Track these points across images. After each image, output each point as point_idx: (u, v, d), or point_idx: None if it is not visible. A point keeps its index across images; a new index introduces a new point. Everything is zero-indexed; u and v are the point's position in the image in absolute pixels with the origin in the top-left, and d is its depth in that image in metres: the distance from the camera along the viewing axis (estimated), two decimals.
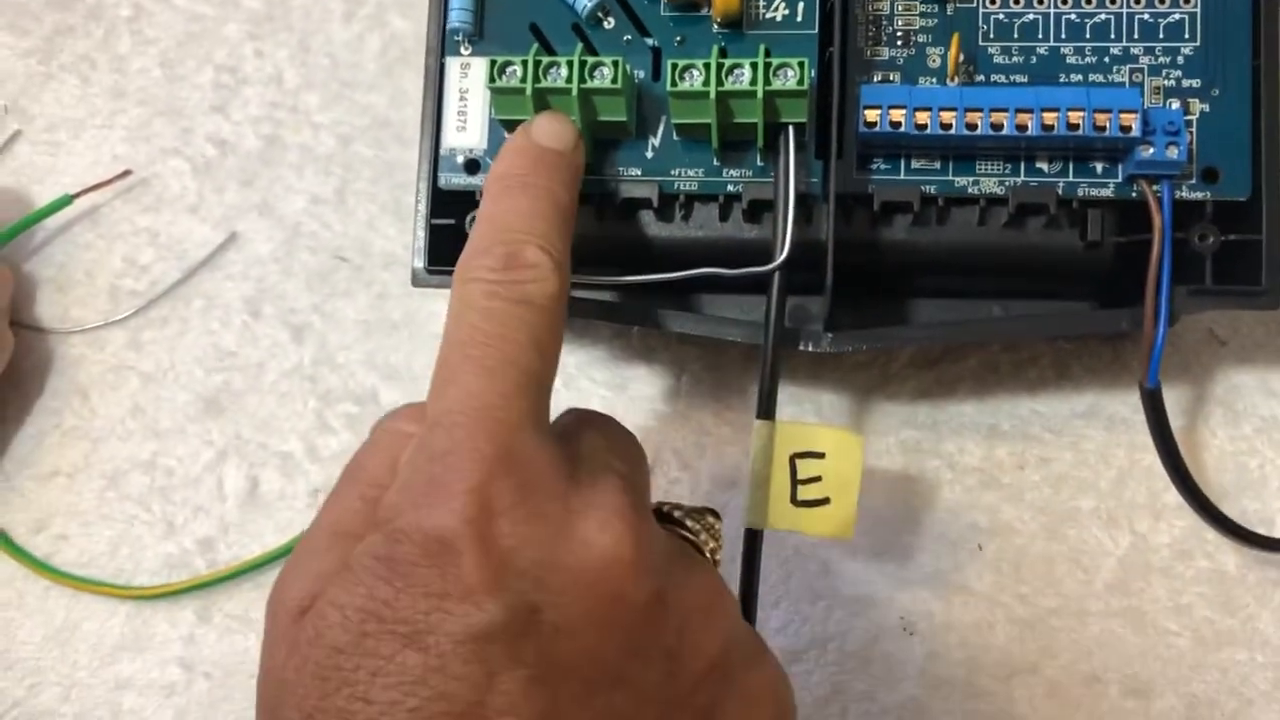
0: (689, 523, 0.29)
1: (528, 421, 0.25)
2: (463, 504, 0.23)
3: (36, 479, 0.41)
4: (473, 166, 0.34)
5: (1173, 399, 0.34)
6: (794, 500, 0.31)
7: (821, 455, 0.32)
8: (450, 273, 0.33)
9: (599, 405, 0.39)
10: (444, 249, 0.34)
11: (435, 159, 0.34)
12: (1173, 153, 0.31)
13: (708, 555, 0.29)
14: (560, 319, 0.27)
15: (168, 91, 0.43)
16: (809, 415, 0.39)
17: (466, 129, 0.35)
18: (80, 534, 0.40)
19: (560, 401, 0.38)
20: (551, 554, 0.24)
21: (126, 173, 0.42)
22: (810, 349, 0.34)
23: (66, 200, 0.42)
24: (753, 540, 0.32)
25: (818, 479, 0.32)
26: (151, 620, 0.39)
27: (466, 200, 0.35)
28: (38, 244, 0.43)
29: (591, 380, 0.40)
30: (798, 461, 0.32)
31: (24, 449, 0.41)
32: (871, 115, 0.32)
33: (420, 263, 0.34)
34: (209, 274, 0.42)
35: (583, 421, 0.29)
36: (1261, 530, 0.36)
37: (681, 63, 0.31)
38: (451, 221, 0.34)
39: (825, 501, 0.32)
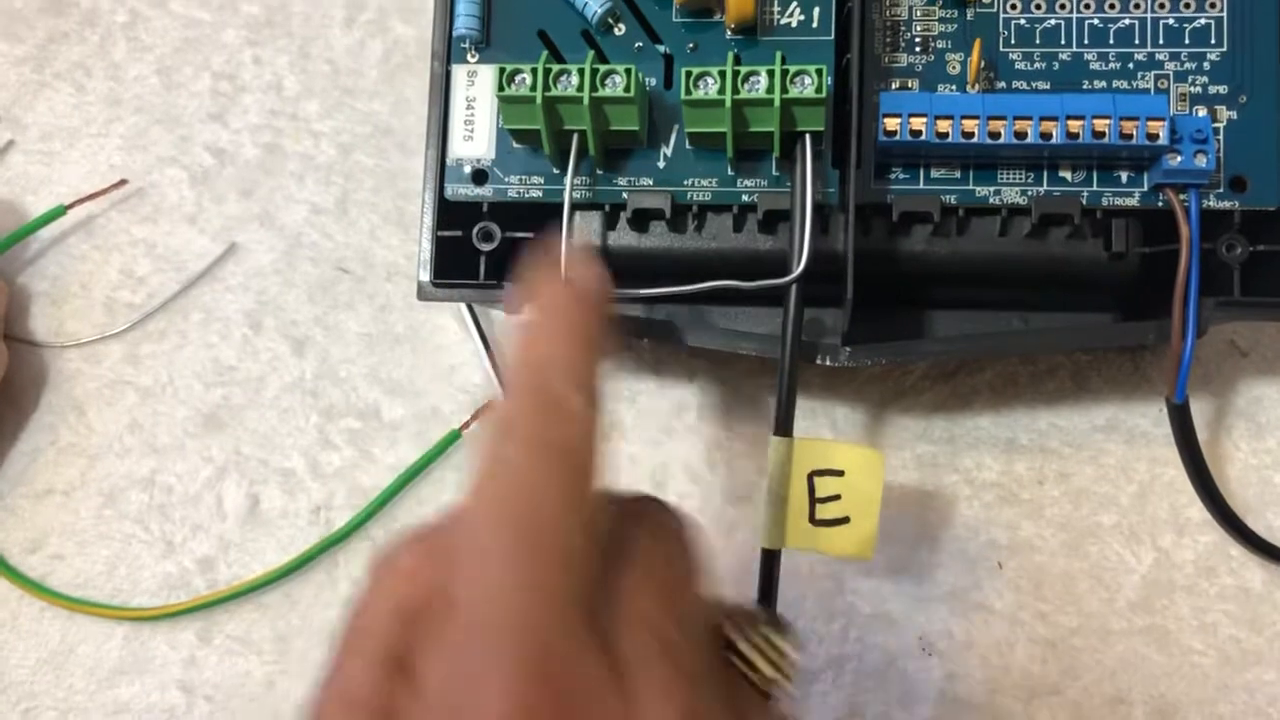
0: (756, 660, 0.27)
1: (567, 609, 0.22)
2: None
3: (31, 497, 0.40)
4: (480, 177, 0.34)
5: (1194, 412, 0.34)
6: (812, 519, 0.31)
7: (840, 473, 0.31)
8: (457, 285, 0.34)
9: (607, 419, 0.38)
10: (450, 261, 0.34)
11: (441, 169, 0.34)
12: (1201, 161, 0.31)
13: (766, 689, 0.27)
14: (595, 463, 0.24)
15: (165, 99, 0.43)
16: (823, 430, 0.38)
17: (474, 138, 0.34)
18: (76, 553, 0.39)
19: None
20: None
21: (122, 182, 0.42)
22: (828, 363, 0.33)
23: (60, 211, 0.41)
24: (770, 561, 0.31)
25: (836, 497, 0.31)
26: (150, 642, 0.39)
27: (473, 211, 0.34)
28: (31, 256, 0.42)
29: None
30: (816, 479, 0.31)
31: (18, 466, 0.40)
32: (891, 124, 0.31)
33: (426, 276, 0.34)
34: (208, 286, 0.41)
35: (626, 562, 0.25)
36: None
37: (696, 70, 0.31)
38: (458, 233, 0.34)
39: (845, 520, 0.31)
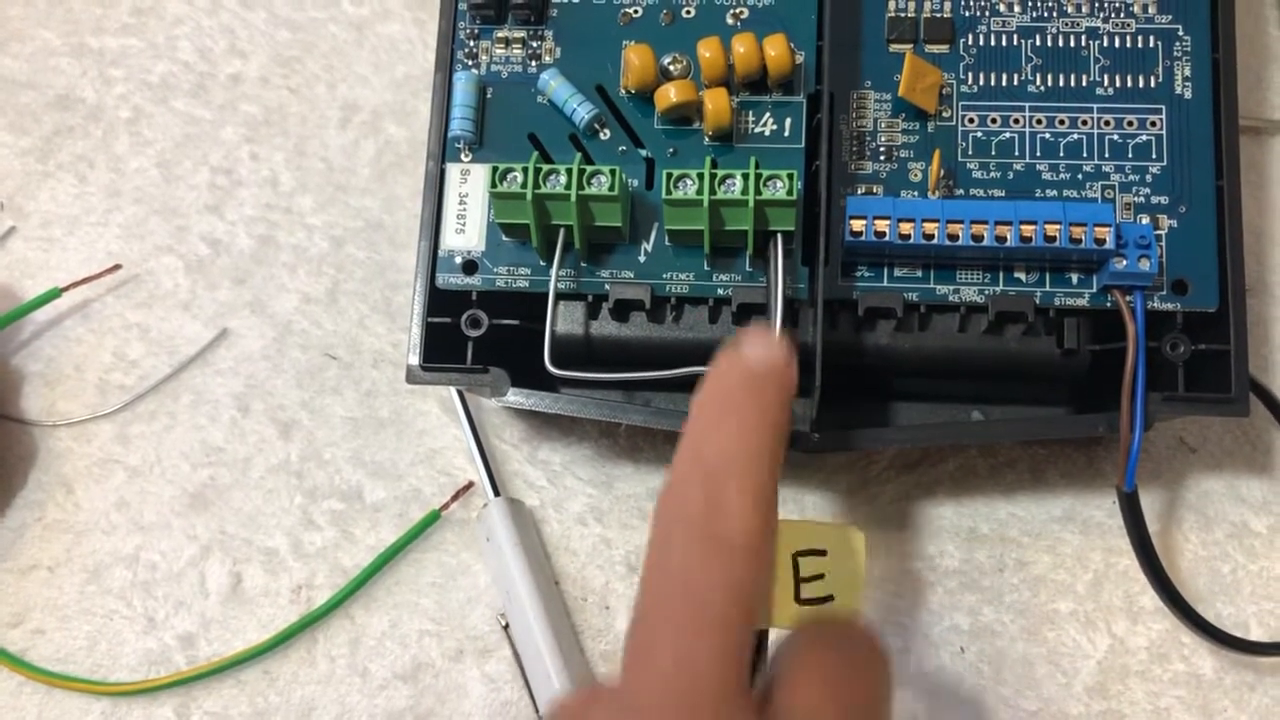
0: None
1: (732, 695, 0.23)
2: None
3: (15, 572, 0.40)
4: (470, 267, 0.35)
5: (1146, 505, 0.35)
6: (798, 598, 0.31)
7: (823, 552, 0.32)
8: (445, 370, 0.35)
9: (584, 503, 0.40)
10: (439, 347, 0.35)
11: (434, 259, 0.35)
12: (1144, 265, 0.32)
13: None
14: (764, 561, 0.25)
15: (164, 191, 0.44)
16: (793, 516, 0.39)
17: (465, 231, 0.35)
18: (58, 629, 0.40)
19: (546, 498, 0.39)
20: None
21: (116, 267, 0.43)
22: (797, 449, 0.34)
23: (55, 293, 0.42)
24: (758, 640, 0.32)
25: (820, 576, 0.31)
26: (128, 718, 0.39)
27: (463, 299, 0.35)
28: (26, 338, 0.43)
29: (577, 478, 0.40)
30: (800, 559, 0.32)
31: (4, 542, 0.41)
32: (857, 225, 0.33)
33: (415, 360, 0.35)
34: (199, 370, 0.42)
35: (801, 671, 0.25)
36: (1237, 634, 0.36)
37: (676, 172, 0.32)
38: (448, 320, 0.35)
39: (829, 599, 0.31)
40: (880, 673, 0.26)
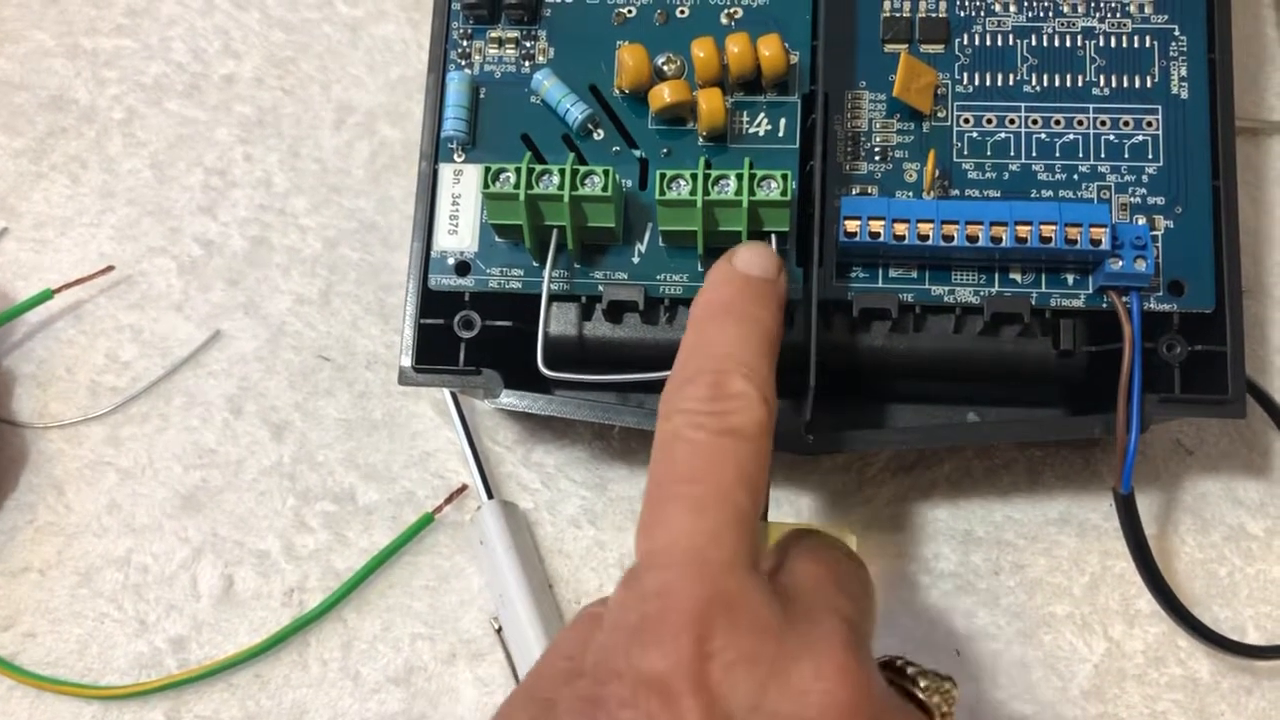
0: (922, 682, 0.27)
1: (739, 560, 0.24)
2: (678, 645, 0.22)
3: (6, 575, 0.40)
4: (463, 268, 0.35)
5: (1142, 507, 0.35)
6: None
7: None
8: (437, 371, 0.35)
9: (579, 505, 0.39)
10: (432, 348, 0.35)
11: (426, 260, 0.35)
12: (1140, 265, 0.32)
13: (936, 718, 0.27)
14: (767, 450, 0.26)
15: (157, 192, 0.44)
16: (788, 518, 0.39)
17: (458, 232, 0.35)
18: (49, 632, 0.39)
19: (540, 501, 0.39)
20: (766, 700, 0.23)
21: (109, 269, 0.42)
22: (792, 451, 0.34)
23: (47, 295, 0.42)
24: None
25: None
26: None
27: (455, 301, 0.35)
28: (19, 339, 0.43)
29: (571, 480, 0.40)
30: None
31: None
32: (851, 225, 0.33)
33: (408, 361, 0.35)
34: (191, 371, 0.42)
35: (803, 551, 0.27)
36: (1234, 637, 0.36)
37: (670, 173, 0.32)
38: (440, 321, 0.35)
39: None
40: (868, 581, 0.28)
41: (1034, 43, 0.35)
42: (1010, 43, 0.35)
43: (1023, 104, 0.35)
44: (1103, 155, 0.34)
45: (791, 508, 0.39)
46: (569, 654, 0.25)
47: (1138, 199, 0.34)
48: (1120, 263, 0.32)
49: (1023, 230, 0.32)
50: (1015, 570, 0.38)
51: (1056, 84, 0.35)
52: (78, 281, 0.42)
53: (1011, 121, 0.35)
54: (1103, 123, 0.35)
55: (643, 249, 0.35)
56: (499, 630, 0.37)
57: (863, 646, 0.25)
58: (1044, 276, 0.34)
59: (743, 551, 0.24)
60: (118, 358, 0.42)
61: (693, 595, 0.23)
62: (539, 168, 0.33)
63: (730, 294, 0.28)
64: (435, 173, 0.36)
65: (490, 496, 0.38)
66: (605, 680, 0.23)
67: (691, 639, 0.23)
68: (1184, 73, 0.35)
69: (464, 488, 0.39)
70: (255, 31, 0.46)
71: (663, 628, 0.23)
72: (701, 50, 0.34)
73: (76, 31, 0.46)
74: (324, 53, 0.45)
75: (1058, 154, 0.34)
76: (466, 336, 0.35)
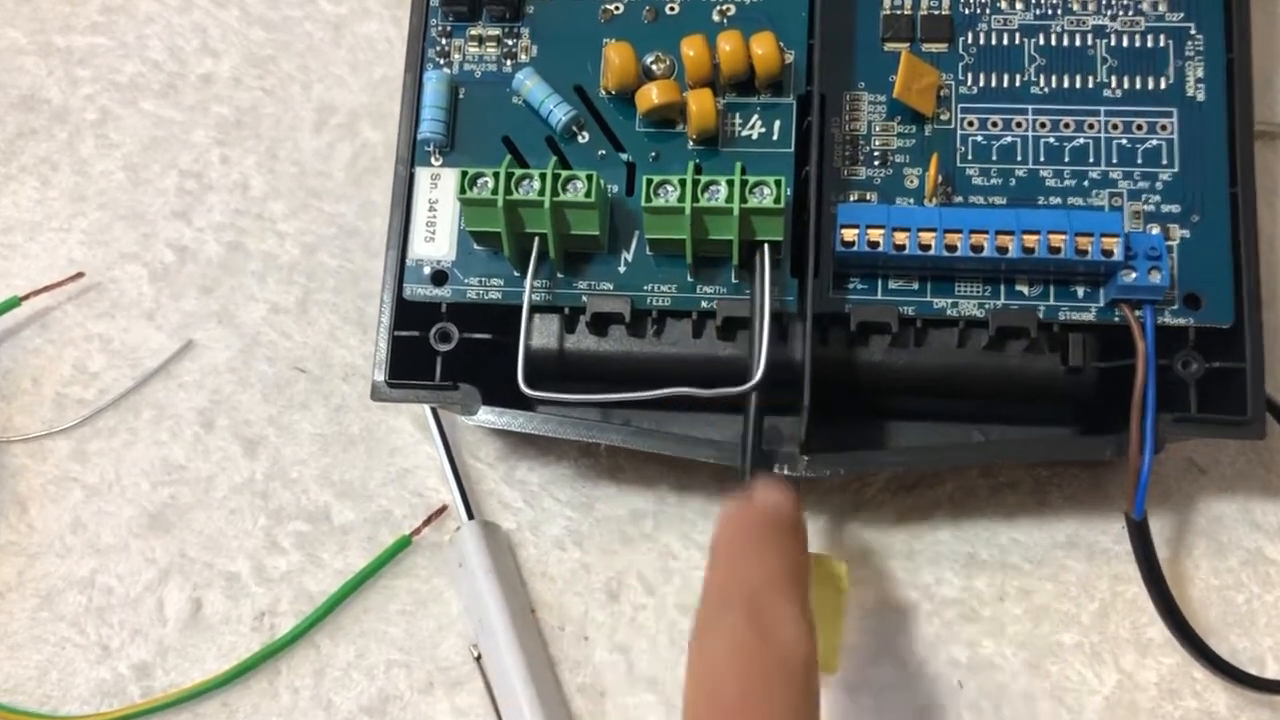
0: None
1: None
2: None
3: None
4: (440, 278, 0.34)
5: (1154, 529, 0.33)
6: None
7: None
8: (412, 386, 0.34)
9: (564, 526, 0.38)
10: (407, 362, 0.33)
11: (401, 269, 0.34)
12: (1155, 277, 0.31)
13: None
14: (817, 678, 0.24)
15: (130, 196, 0.43)
16: None
17: (435, 240, 0.34)
18: (6, 657, 0.38)
19: (523, 521, 0.38)
20: None
21: (78, 275, 0.41)
22: (786, 472, 0.32)
23: (14, 302, 0.40)
24: None
25: None
26: None
27: (432, 312, 0.34)
28: None
29: (556, 500, 0.38)
30: None
31: None
32: (849, 234, 0.31)
33: (381, 376, 0.33)
34: (162, 383, 0.41)
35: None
36: (1252, 670, 0.35)
37: (657, 178, 0.31)
38: (416, 333, 0.34)
39: None
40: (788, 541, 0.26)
41: (1042, 42, 0.34)
42: (1017, 42, 0.34)
43: (1030, 106, 0.33)
44: (1115, 160, 0.33)
45: None
46: None
47: (1152, 207, 0.33)
48: (1134, 274, 0.31)
49: (1030, 240, 0.31)
50: (1021, 596, 0.36)
51: (1066, 85, 0.34)
52: (46, 288, 0.41)
53: (1018, 125, 0.33)
54: (1115, 126, 0.33)
55: (629, 258, 0.33)
56: (478, 658, 0.36)
57: None
58: (1052, 288, 0.32)
59: None
60: (86, 368, 0.41)
61: None
62: (519, 172, 0.31)
63: (755, 532, 0.27)
64: (411, 177, 0.34)
65: (470, 516, 0.37)
66: None
67: None
68: (1200, 74, 0.33)
69: (443, 508, 0.38)
70: (234, 29, 0.45)
71: None
72: (692, 49, 0.33)
73: (49, 29, 0.45)
74: (305, 51, 0.44)
75: (1067, 159, 0.33)
76: (443, 350, 0.34)
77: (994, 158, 0.33)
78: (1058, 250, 0.31)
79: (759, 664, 0.23)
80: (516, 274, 0.33)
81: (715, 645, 0.24)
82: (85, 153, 0.43)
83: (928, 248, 0.31)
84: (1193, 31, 0.33)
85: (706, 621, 0.25)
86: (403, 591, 0.38)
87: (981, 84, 0.34)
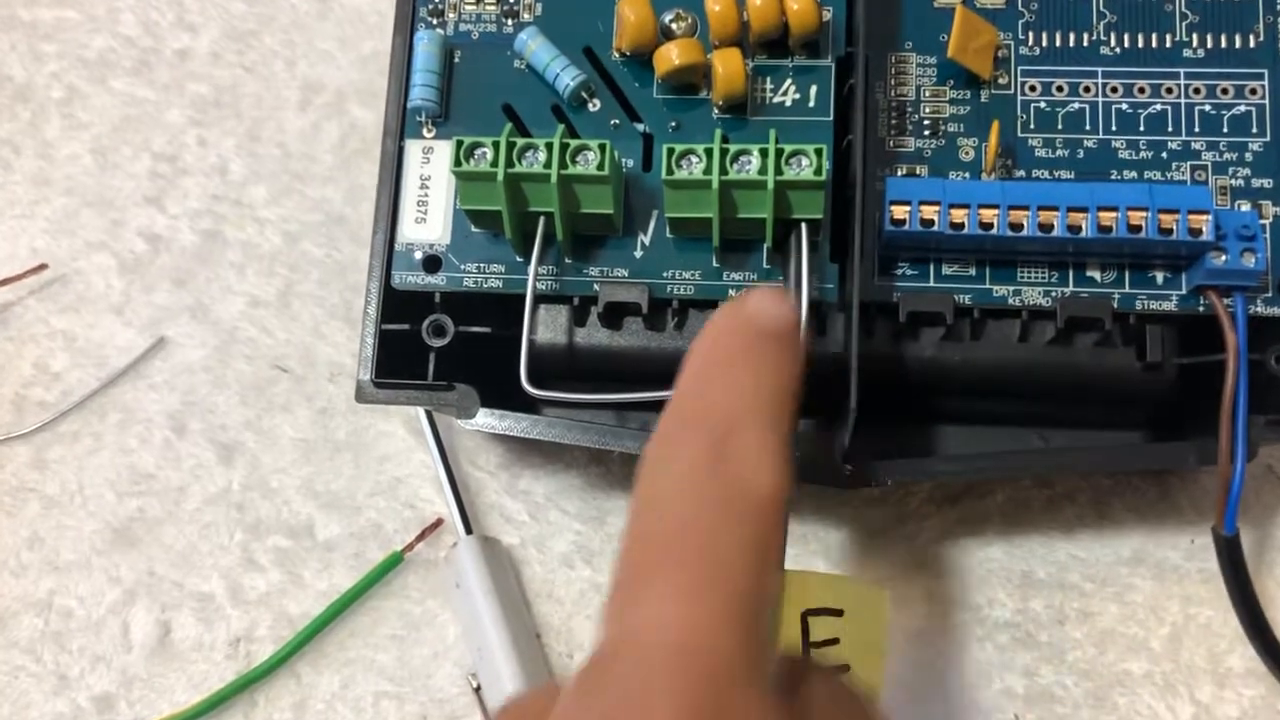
0: None
1: (742, 665, 0.19)
2: None
3: None
4: (433, 264, 0.31)
5: None
6: None
7: (839, 613, 0.28)
8: (402, 386, 0.31)
9: (572, 541, 0.36)
10: (396, 359, 0.31)
11: (389, 254, 0.31)
12: (1249, 260, 0.28)
13: None
14: (783, 526, 0.22)
15: (98, 181, 0.41)
16: (816, 560, 0.35)
17: (427, 221, 0.32)
18: None
19: (527, 536, 0.35)
20: None
21: (41, 267, 0.39)
22: (827, 484, 0.30)
23: None
24: None
25: (835, 641, 0.28)
26: None
27: (424, 302, 0.31)
28: None
29: (563, 512, 0.36)
30: (811, 619, 0.28)
31: None
32: (899, 212, 0.28)
33: (366, 375, 0.31)
34: (130, 384, 0.38)
35: (824, 699, 0.22)
36: None
37: (679, 148, 0.28)
38: (406, 327, 0.31)
39: (844, 669, 0.28)
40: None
41: None
42: None
43: (1099, 69, 0.31)
44: (1197, 130, 0.30)
45: (820, 545, 0.35)
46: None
47: (1240, 181, 0.30)
48: (1224, 257, 0.28)
49: (1106, 218, 0.28)
50: (1082, 619, 0.34)
51: (1140, 45, 0.31)
52: (5, 281, 0.39)
53: (1086, 90, 0.30)
54: (1196, 91, 0.30)
55: (646, 241, 0.31)
56: (477, 689, 0.34)
57: None
58: (1128, 274, 0.29)
59: (748, 652, 0.19)
60: (47, 368, 0.39)
61: (677, 706, 0.18)
62: (522, 141, 0.29)
63: (739, 341, 0.23)
64: (401, 150, 0.32)
65: (469, 531, 0.35)
66: None
67: None
68: None
69: (439, 521, 0.36)
70: (214, 2, 0.43)
71: None
72: (718, 4, 0.31)
73: (13, 1, 0.43)
74: (289, 25, 0.42)
75: (1142, 128, 0.30)
76: (437, 345, 0.31)
77: (1059, 126, 0.30)
78: (1138, 229, 0.28)
79: (714, 493, 0.20)
80: (519, 259, 0.31)
81: (664, 471, 0.21)
82: (50, 134, 0.42)
83: (989, 227, 0.28)
84: None
85: (659, 444, 0.22)
86: (393, 614, 0.35)
87: (1044, 44, 0.31)
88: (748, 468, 0.20)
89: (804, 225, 0.29)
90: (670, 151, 0.28)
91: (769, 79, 0.31)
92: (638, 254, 0.31)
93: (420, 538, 0.35)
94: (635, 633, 0.19)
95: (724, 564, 0.19)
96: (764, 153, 0.28)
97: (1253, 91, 0.30)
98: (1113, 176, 0.30)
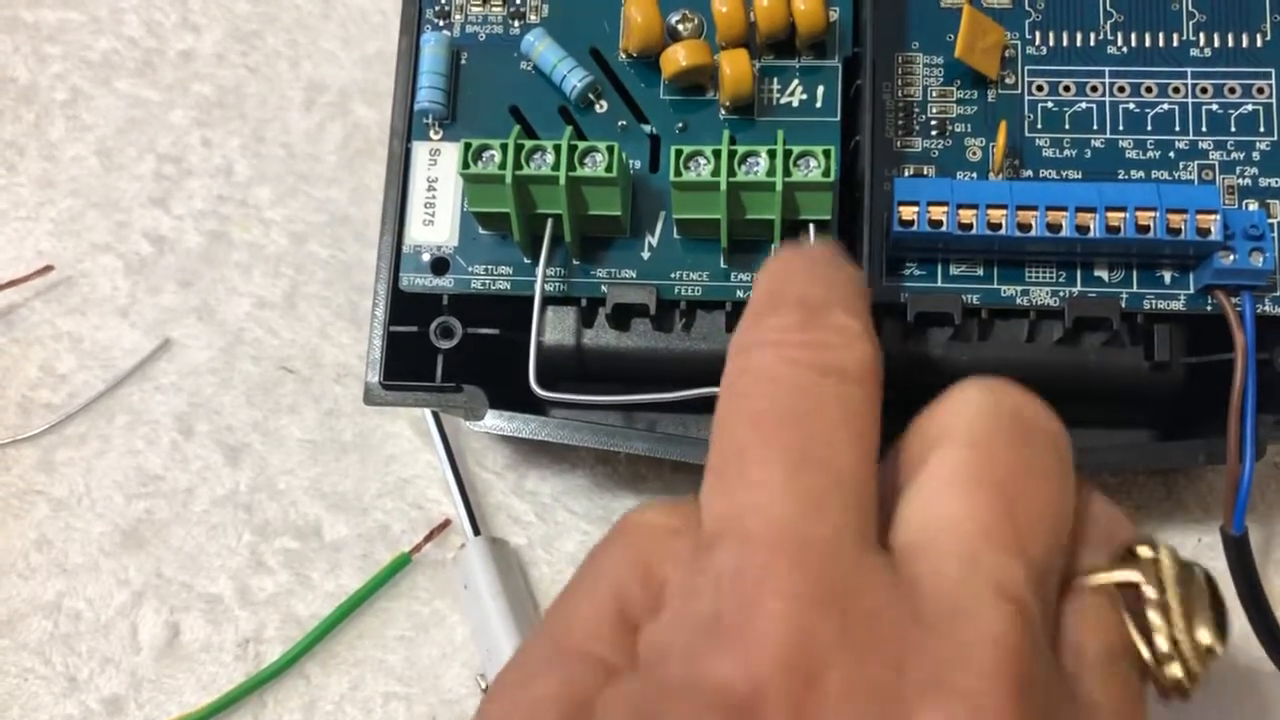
0: (1161, 630, 0.19)
1: (850, 538, 0.18)
2: (771, 654, 0.17)
3: None
4: (440, 266, 0.31)
5: None
6: None
7: None
8: (409, 388, 0.31)
9: (579, 541, 0.35)
10: (404, 361, 0.31)
11: (397, 256, 0.31)
12: (1257, 260, 0.28)
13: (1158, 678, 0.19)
14: (879, 398, 0.21)
15: (103, 182, 0.40)
16: None
17: (434, 223, 0.31)
18: None
19: (535, 536, 0.35)
20: None
21: (47, 269, 0.39)
22: None
23: None
24: None
25: None
26: None
27: (432, 304, 0.31)
28: None
29: (571, 512, 0.36)
30: None
31: None
32: (908, 212, 0.28)
33: (375, 377, 0.30)
34: (137, 385, 0.38)
35: (942, 477, 0.20)
36: None
37: (687, 149, 0.28)
38: (414, 329, 0.31)
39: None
40: (1064, 475, 0.21)
41: None
42: None
43: (1107, 69, 0.30)
44: (1204, 129, 0.30)
45: None
46: (600, 629, 0.20)
47: (1248, 180, 0.29)
48: (1232, 257, 0.28)
49: (1114, 218, 0.27)
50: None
51: (1147, 44, 0.30)
52: (11, 283, 0.39)
53: (1094, 89, 0.30)
54: (1204, 90, 0.30)
55: (654, 242, 0.30)
56: (486, 690, 0.33)
57: (1034, 647, 0.18)
58: (1135, 273, 0.29)
59: (855, 526, 0.18)
60: (54, 370, 0.39)
61: (789, 586, 0.17)
62: (530, 144, 0.28)
63: (803, 258, 0.23)
64: (408, 153, 0.31)
65: (476, 532, 0.35)
66: (668, 694, 0.17)
67: (789, 648, 0.17)
68: None
69: (446, 522, 0.36)
70: (217, 2, 0.42)
71: (748, 632, 0.17)
72: (725, 5, 0.30)
73: (16, 2, 0.43)
74: (293, 25, 0.42)
75: (1150, 128, 0.30)
76: (445, 347, 0.31)
77: (1066, 126, 0.30)
78: (1146, 229, 0.27)
79: (807, 366, 0.20)
80: (527, 261, 0.31)
81: (754, 352, 0.21)
82: (54, 136, 0.41)
83: (998, 227, 0.28)
84: None
85: (745, 328, 0.21)
86: (401, 615, 0.35)
87: (1051, 43, 0.31)
88: (839, 340, 0.20)
89: (812, 226, 0.28)
90: (678, 153, 0.28)
91: (776, 80, 0.31)
92: (645, 255, 0.30)
93: (428, 539, 0.35)
94: (737, 518, 0.19)
95: (822, 441, 0.19)
96: (772, 154, 0.27)
97: (1260, 91, 0.30)
98: (1120, 176, 0.29)
